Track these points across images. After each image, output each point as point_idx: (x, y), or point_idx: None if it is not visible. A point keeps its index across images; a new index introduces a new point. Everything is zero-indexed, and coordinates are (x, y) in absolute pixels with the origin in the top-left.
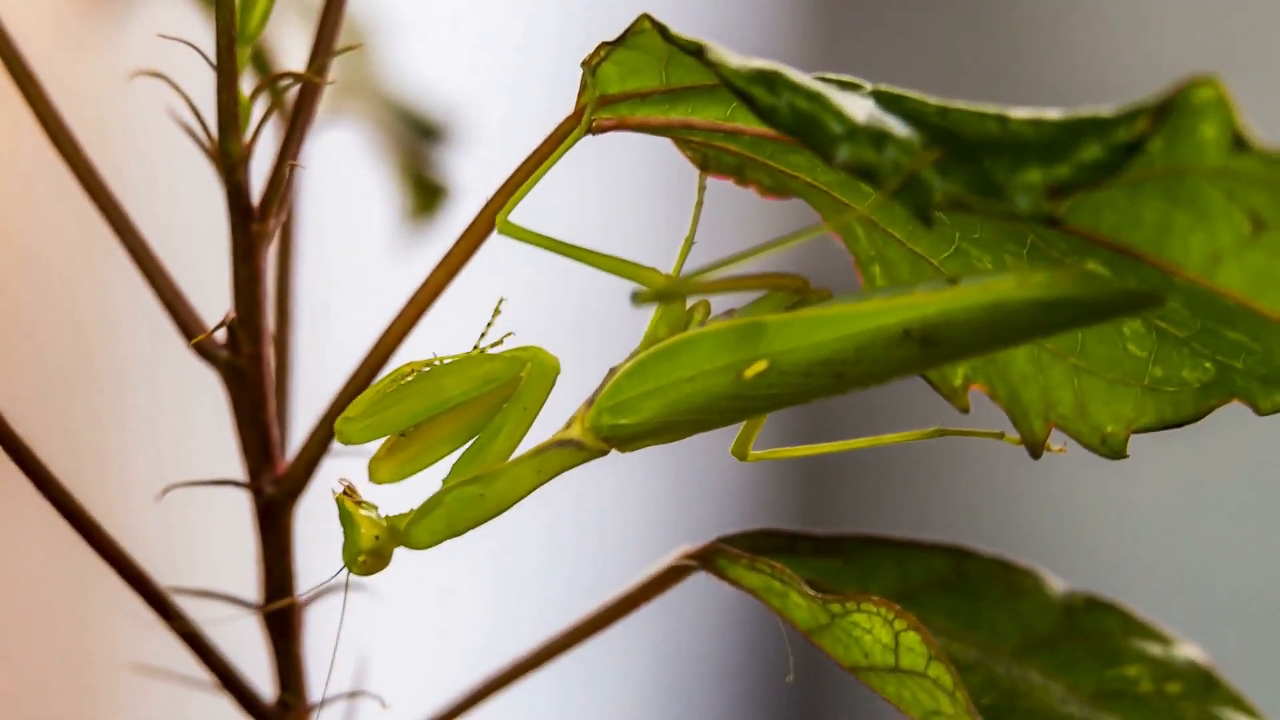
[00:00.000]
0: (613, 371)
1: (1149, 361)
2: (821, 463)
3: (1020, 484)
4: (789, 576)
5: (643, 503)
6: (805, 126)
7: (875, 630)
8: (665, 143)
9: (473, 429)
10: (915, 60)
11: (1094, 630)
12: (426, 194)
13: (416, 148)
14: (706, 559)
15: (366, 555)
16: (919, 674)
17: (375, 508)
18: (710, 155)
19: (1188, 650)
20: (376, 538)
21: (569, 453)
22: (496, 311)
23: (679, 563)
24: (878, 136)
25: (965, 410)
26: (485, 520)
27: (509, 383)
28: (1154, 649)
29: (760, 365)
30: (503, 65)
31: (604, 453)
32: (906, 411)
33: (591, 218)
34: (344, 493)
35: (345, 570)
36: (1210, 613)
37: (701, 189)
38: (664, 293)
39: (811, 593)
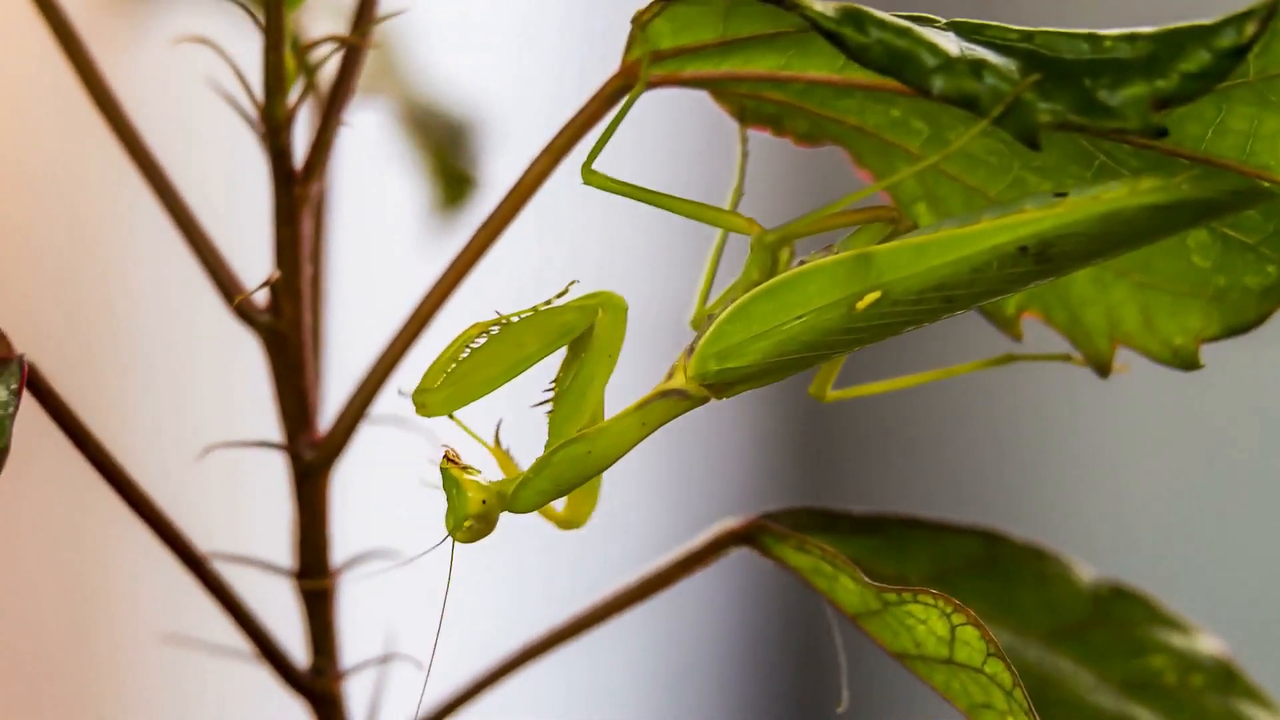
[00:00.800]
0: (711, 318)
1: (1213, 271)
2: (840, 438)
3: (1042, 465)
4: (841, 561)
5: (665, 479)
6: (899, 62)
7: (931, 621)
8: (697, 98)
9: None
10: None
11: (1120, 619)
12: (454, 185)
13: (444, 140)
14: (750, 536)
15: (474, 520)
16: (974, 669)
17: (479, 472)
18: (749, 106)
19: (1209, 642)
20: (484, 502)
21: (672, 403)
22: (564, 291)
23: (720, 539)
24: (975, 65)
25: (1018, 338)
26: (591, 477)
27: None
28: (1177, 640)
29: (873, 295)
30: (530, 56)
31: (706, 400)
32: (956, 347)
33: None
34: (447, 459)
35: (448, 536)
36: (1237, 599)
37: (744, 140)
38: (778, 238)
39: (865, 579)
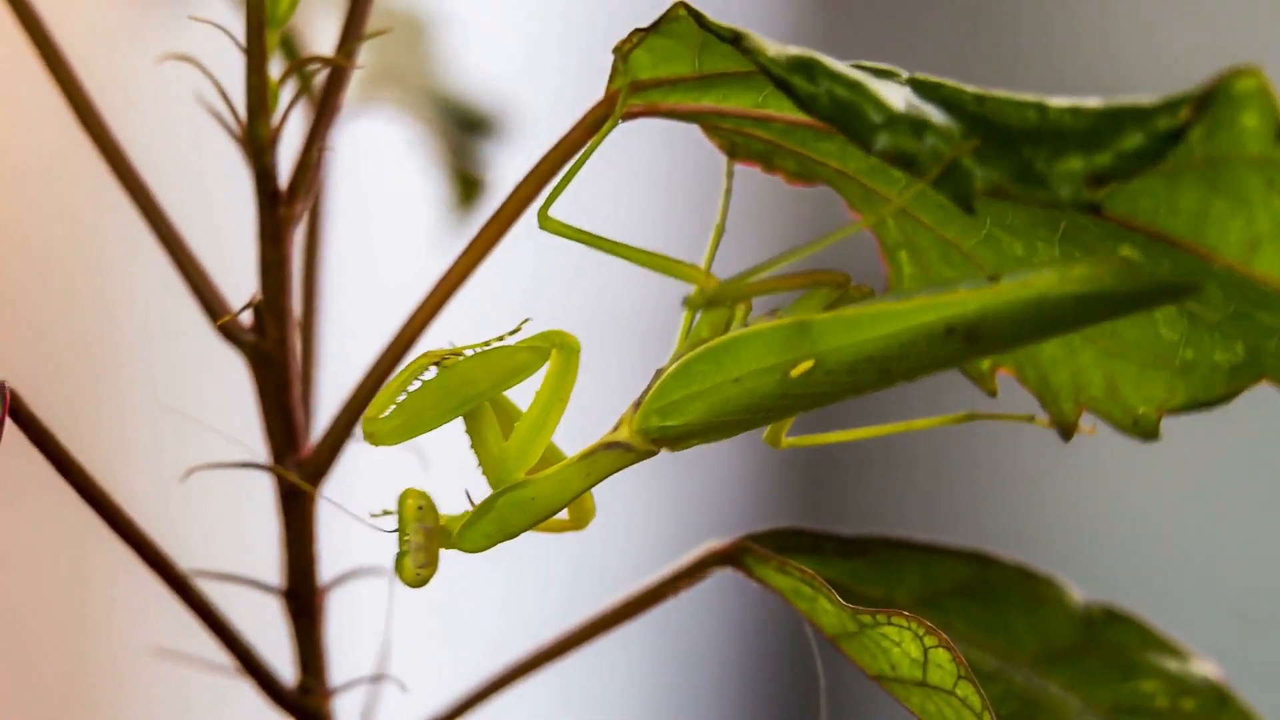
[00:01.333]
0: (659, 373)
1: (1180, 344)
2: (834, 459)
3: (1034, 483)
4: (819, 583)
5: (659, 499)
6: (844, 114)
7: (905, 644)
8: (688, 132)
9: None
10: (915, 53)
11: (1112, 643)
12: (467, 186)
13: (459, 140)
14: (734, 557)
15: (422, 567)
16: (946, 691)
17: (435, 514)
18: (739, 142)
19: (1203, 666)
20: (427, 542)
21: (617, 455)
22: (516, 330)
23: (704, 559)
24: (917, 124)
25: (993, 394)
26: (537, 523)
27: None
28: (1170, 664)
29: (806, 364)
30: (538, 57)
31: (652, 453)
32: (933, 398)
33: (612, 207)
34: (405, 500)
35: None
36: (1229, 616)
37: (730, 176)
38: (713, 297)
39: (842, 602)
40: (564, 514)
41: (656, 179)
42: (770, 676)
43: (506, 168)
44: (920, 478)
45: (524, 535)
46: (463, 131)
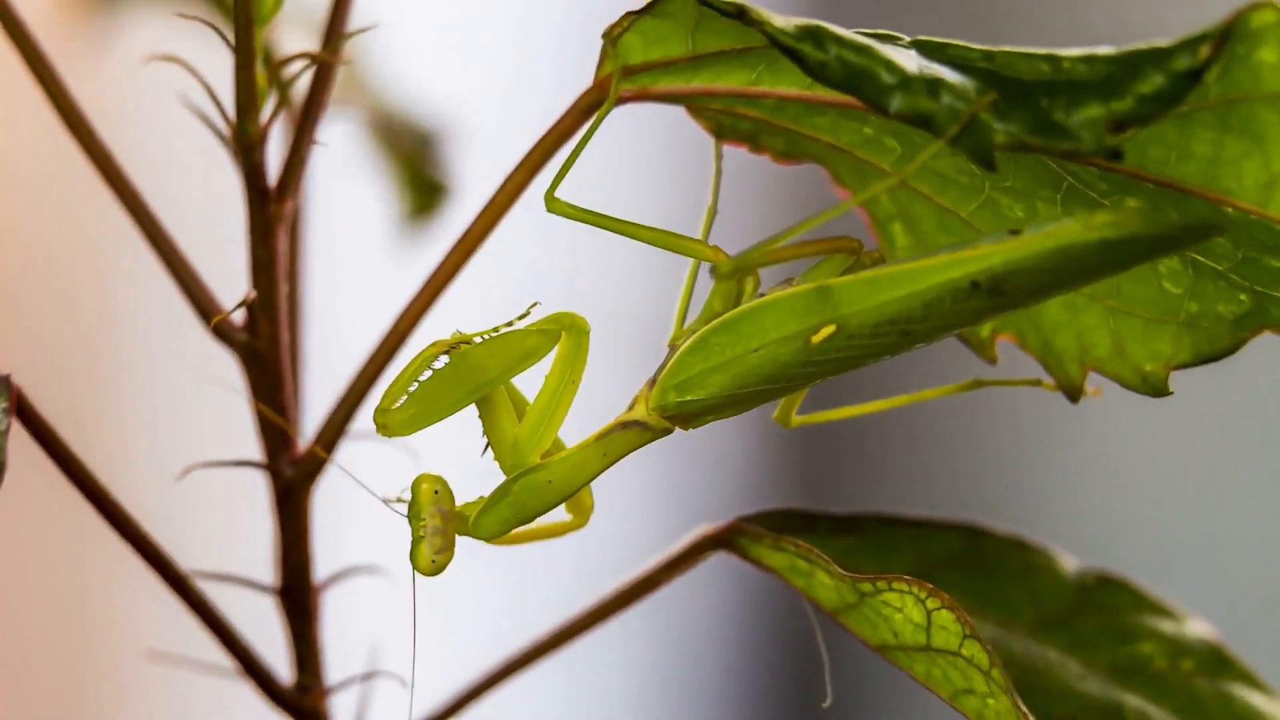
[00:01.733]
0: (673, 349)
1: (1184, 298)
2: (824, 441)
3: (1027, 460)
4: (815, 555)
5: (654, 484)
6: (856, 79)
7: (907, 609)
8: (673, 114)
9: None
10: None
11: (1107, 607)
12: (425, 194)
13: (413, 149)
14: (727, 539)
15: (438, 553)
16: (952, 653)
17: (450, 498)
18: (725, 123)
19: (1198, 627)
20: (444, 528)
21: (634, 434)
22: (525, 314)
23: (698, 544)
24: (932, 84)
25: (993, 361)
26: (552, 506)
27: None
28: (1166, 626)
29: (828, 329)
30: (498, 62)
31: (669, 431)
32: (933, 370)
33: (598, 190)
34: (419, 484)
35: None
36: (1224, 588)
37: (719, 157)
38: (732, 268)
39: (841, 572)
40: (564, 515)
41: (642, 161)
42: (765, 662)
43: (468, 171)
44: (911, 457)
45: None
46: (416, 140)
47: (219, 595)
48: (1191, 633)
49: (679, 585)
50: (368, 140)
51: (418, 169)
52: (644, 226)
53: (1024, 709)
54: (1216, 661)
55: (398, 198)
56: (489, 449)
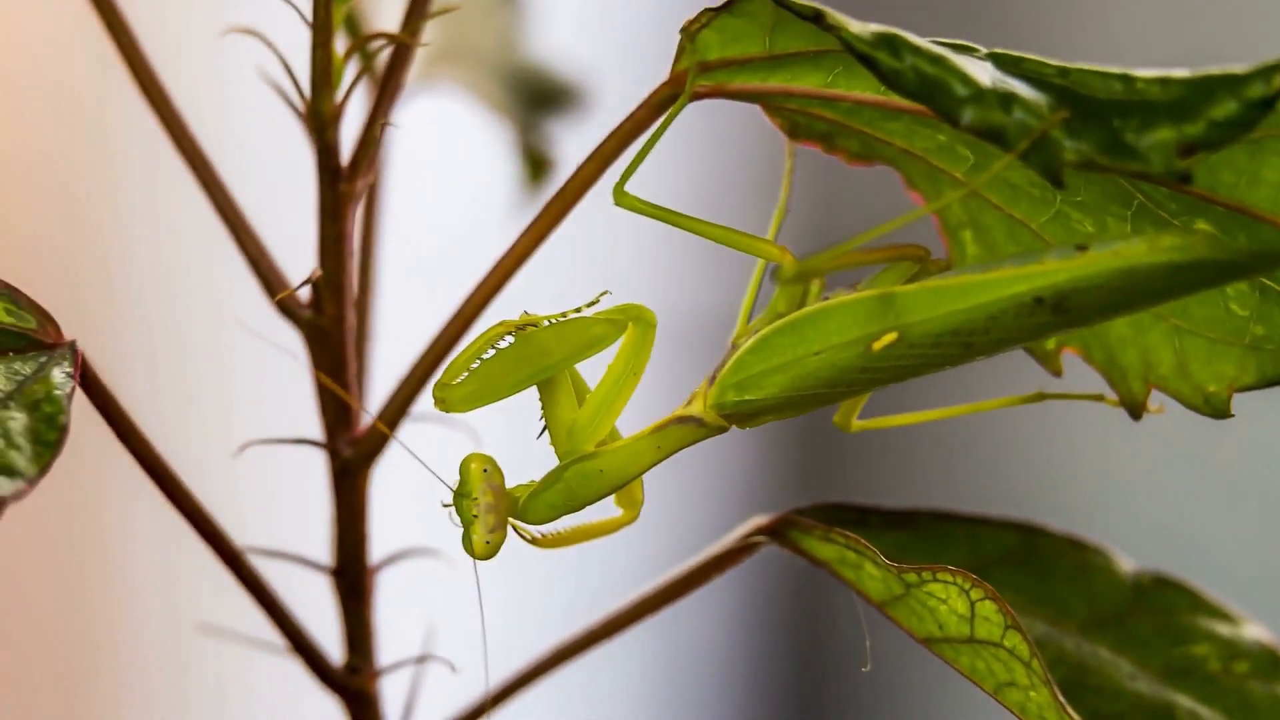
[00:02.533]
0: (735, 347)
1: (1251, 320)
2: (880, 437)
3: (1083, 462)
4: (864, 546)
5: (702, 478)
6: (930, 89)
7: (951, 600)
8: (746, 112)
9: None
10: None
11: (1162, 608)
12: (536, 165)
13: (529, 118)
14: (778, 532)
15: (491, 534)
16: (994, 644)
17: (501, 479)
18: (800, 123)
19: (1254, 630)
20: (496, 508)
21: (689, 429)
22: (594, 301)
23: (750, 535)
24: (1005, 98)
25: (1058, 374)
26: (603, 496)
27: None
28: (1222, 628)
29: (890, 337)
30: (603, 37)
31: (724, 429)
32: (995, 378)
33: (672, 186)
34: (470, 466)
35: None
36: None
37: (791, 156)
38: (799, 272)
39: (887, 562)
40: (617, 510)
41: (710, 159)
42: (786, 666)
43: (575, 147)
44: (965, 457)
45: (569, 519)
46: (534, 108)
47: (273, 573)
48: (1248, 635)
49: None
50: (478, 106)
51: (530, 138)
52: (711, 224)
53: (1062, 700)
54: (1272, 664)
55: (513, 165)
56: (544, 433)
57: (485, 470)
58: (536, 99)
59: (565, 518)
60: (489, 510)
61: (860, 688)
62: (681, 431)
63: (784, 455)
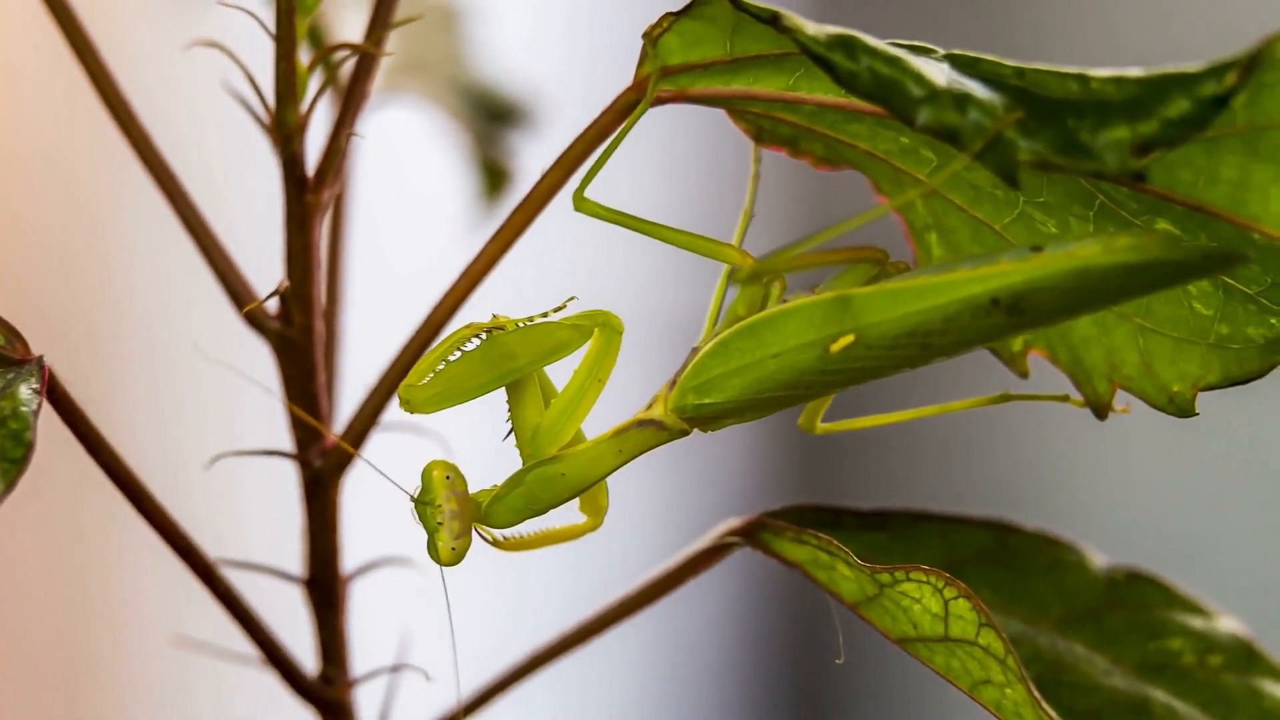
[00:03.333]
0: (695, 351)
1: (1214, 319)
2: (851, 438)
3: (1054, 461)
4: (836, 547)
5: (673, 483)
6: (886, 91)
7: (925, 599)
8: (713, 116)
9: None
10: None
11: (1136, 603)
12: (493, 176)
13: (486, 130)
14: (751, 534)
15: (456, 540)
16: (969, 642)
17: (464, 486)
18: (765, 126)
19: (1228, 623)
20: (459, 513)
21: (650, 433)
22: (561, 307)
23: (723, 538)
24: (959, 99)
25: (1024, 375)
26: (566, 499)
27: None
28: (1195, 622)
29: (847, 339)
30: (566, 45)
31: (685, 433)
32: (962, 379)
33: (640, 191)
34: (430, 472)
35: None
36: (1254, 586)
37: (757, 160)
38: (755, 272)
39: (860, 563)
40: (581, 517)
41: (678, 163)
42: (776, 664)
43: (533, 157)
44: (936, 457)
45: (543, 522)
46: (490, 121)
47: (246, 584)
48: (1222, 629)
49: (677, 593)
50: (435, 119)
51: (487, 151)
52: (671, 228)
53: (1038, 696)
54: (1246, 657)
55: (469, 178)
56: (511, 435)
57: (448, 477)
58: (491, 113)
59: (530, 522)
60: (453, 517)
61: (845, 686)
62: (642, 435)
63: (763, 458)
